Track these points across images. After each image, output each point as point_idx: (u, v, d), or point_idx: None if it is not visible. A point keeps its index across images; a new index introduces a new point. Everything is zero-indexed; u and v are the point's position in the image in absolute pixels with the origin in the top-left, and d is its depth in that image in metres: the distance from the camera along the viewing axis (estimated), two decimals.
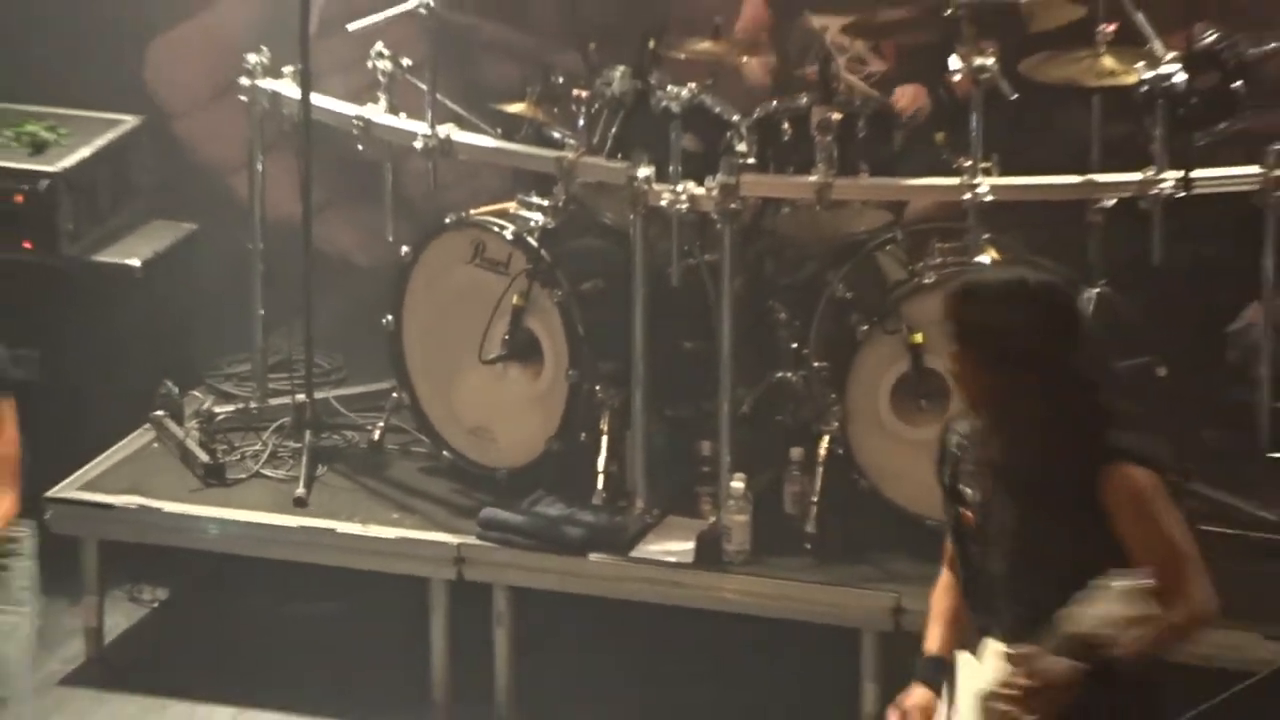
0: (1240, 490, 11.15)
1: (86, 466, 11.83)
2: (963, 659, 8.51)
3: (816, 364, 11.29)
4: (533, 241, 11.29)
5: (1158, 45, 10.92)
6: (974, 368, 8.14)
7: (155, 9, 13.39)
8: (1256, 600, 10.44)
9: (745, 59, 12.12)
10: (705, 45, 11.66)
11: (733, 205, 10.90)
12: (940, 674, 8.55)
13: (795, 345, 11.47)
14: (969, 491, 8.36)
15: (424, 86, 11.63)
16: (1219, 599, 7.95)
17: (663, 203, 10.91)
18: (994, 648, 8.26)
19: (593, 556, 10.86)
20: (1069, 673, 7.80)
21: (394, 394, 11.86)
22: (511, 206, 11.58)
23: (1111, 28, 11.07)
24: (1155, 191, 10.80)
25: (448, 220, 11.60)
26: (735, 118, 11.26)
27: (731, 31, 12.11)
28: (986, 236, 11.06)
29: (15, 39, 13.13)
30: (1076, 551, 8.04)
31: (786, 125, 11.16)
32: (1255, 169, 10.79)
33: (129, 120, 12.80)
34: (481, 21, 12.89)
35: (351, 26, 11.93)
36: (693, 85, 11.16)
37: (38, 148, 12.42)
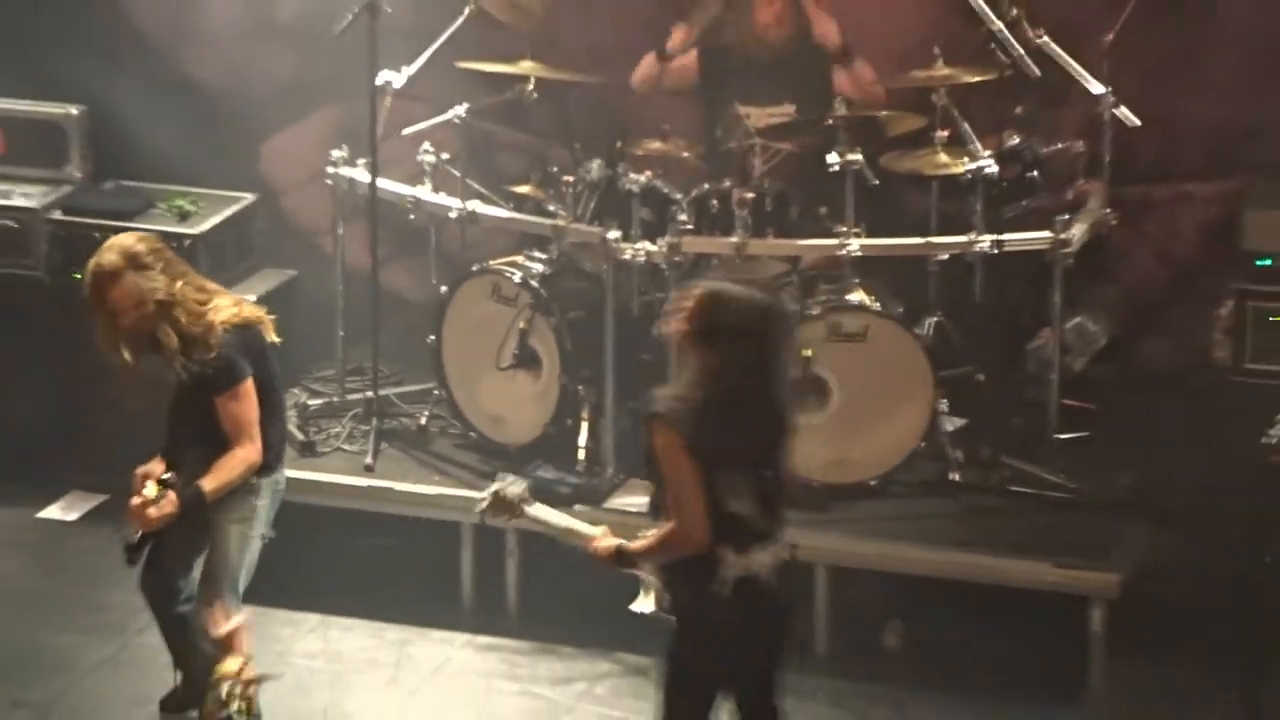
0: (1036, 461, 11.86)
1: None
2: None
3: None
4: (534, 284, 11.91)
5: (977, 146, 11.69)
6: (691, 343, 8.88)
7: (268, 119, 13.60)
8: (1046, 540, 11.37)
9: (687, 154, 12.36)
10: (656, 144, 12.20)
11: (677, 258, 11.67)
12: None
13: None
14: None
15: (457, 173, 12.21)
16: (702, 528, 8.79)
17: (626, 256, 11.66)
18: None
19: (576, 507, 11.16)
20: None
21: (435, 391, 12.50)
22: (519, 259, 12.13)
23: (945, 133, 11.77)
24: (976, 249, 11.63)
25: (474, 269, 12.19)
26: (679, 196, 11.86)
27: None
28: (856, 280, 11.68)
29: (168, 137, 13.18)
30: None
31: (715, 201, 11.79)
32: (1046, 234, 11.58)
33: (248, 197, 13.26)
34: (499, 127, 12.81)
35: (406, 131, 12.40)
36: (648, 173, 11.85)
37: (183, 216, 12.89)
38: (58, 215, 12.93)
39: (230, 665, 10.13)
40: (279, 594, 11.70)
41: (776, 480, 9.11)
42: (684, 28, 12.65)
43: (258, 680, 10.27)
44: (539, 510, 9.61)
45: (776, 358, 9.10)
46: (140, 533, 10.16)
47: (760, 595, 9.03)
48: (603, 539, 9.25)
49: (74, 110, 13.20)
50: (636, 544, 9.07)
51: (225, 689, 10.15)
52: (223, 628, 10.18)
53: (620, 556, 9.16)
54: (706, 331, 8.93)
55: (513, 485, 9.69)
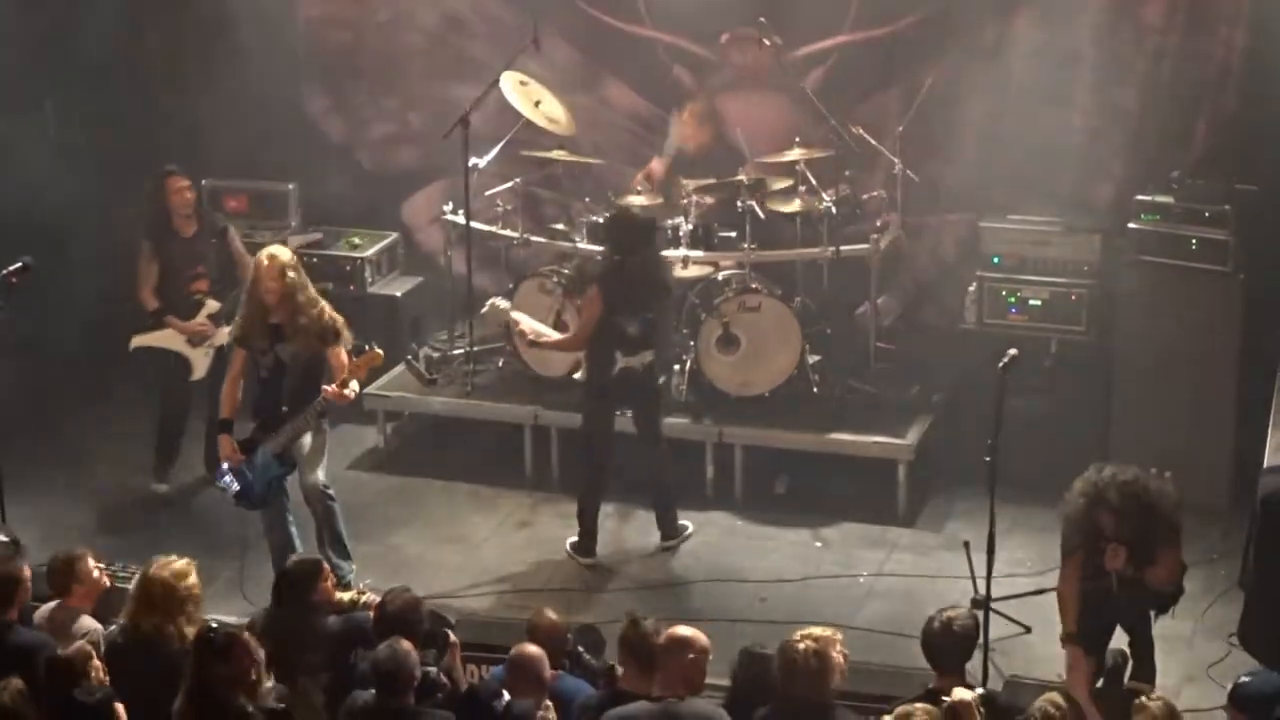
0: (862, 379, 11.59)
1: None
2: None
3: (685, 331, 11.54)
4: (564, 282, 11.57)
5: (823, 195, 11.41)
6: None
7: (408, 187, 13.09)
8: (869, 425, 11.23)
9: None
10: (640, 199, 11.74)
11: None
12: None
13: (682, 330, 11.58)
14: None
15: (517, 218, 11.87)
16: (582, 344, 10.17)
17: None
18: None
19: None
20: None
21: (506, 348, 11.96)
22: (555, 267, 11.77)
23: (803, 187, 11.43)
24: (824, 256, 11.47)
25: (528, 274, 11.78)
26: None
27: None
28: (755, 276, 11.41)
29: (347, 202, 12.87)
30: None
31: (669, 231, 11.41)
32: (866, 246, 11.35)
33: (392, 234, 12.77)
34: (541, 190, 12.24)
35: (487, 193, 11.93)
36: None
37: (353, 246, 12.49)
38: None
39: None
40: (413, 468, 11.64)
41: (650, 320, 10.30)
42: (659, 161, 12.16)
43: None
44: (519, 316, 10.59)
45: (655, 253, 10.46)
46: None
47: (632, 377, 10.36)
48: (549, 335, 10.59)
49: (291, 185, 12.80)
50: (549, 338, 10.55)
51: None
52: None
53: (537, 341, 10.55)
54: (616, 238, 10.33)
55: (501, 300, 10.74)
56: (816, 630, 7.40)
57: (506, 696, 7.32)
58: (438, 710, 7.48)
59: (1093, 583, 8.46)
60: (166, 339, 11.35)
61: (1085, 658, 8.34)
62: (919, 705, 7.13)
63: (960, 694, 7.25)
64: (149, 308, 11.28)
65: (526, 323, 10.80)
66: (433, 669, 7.79)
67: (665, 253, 11.31)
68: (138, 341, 11.38)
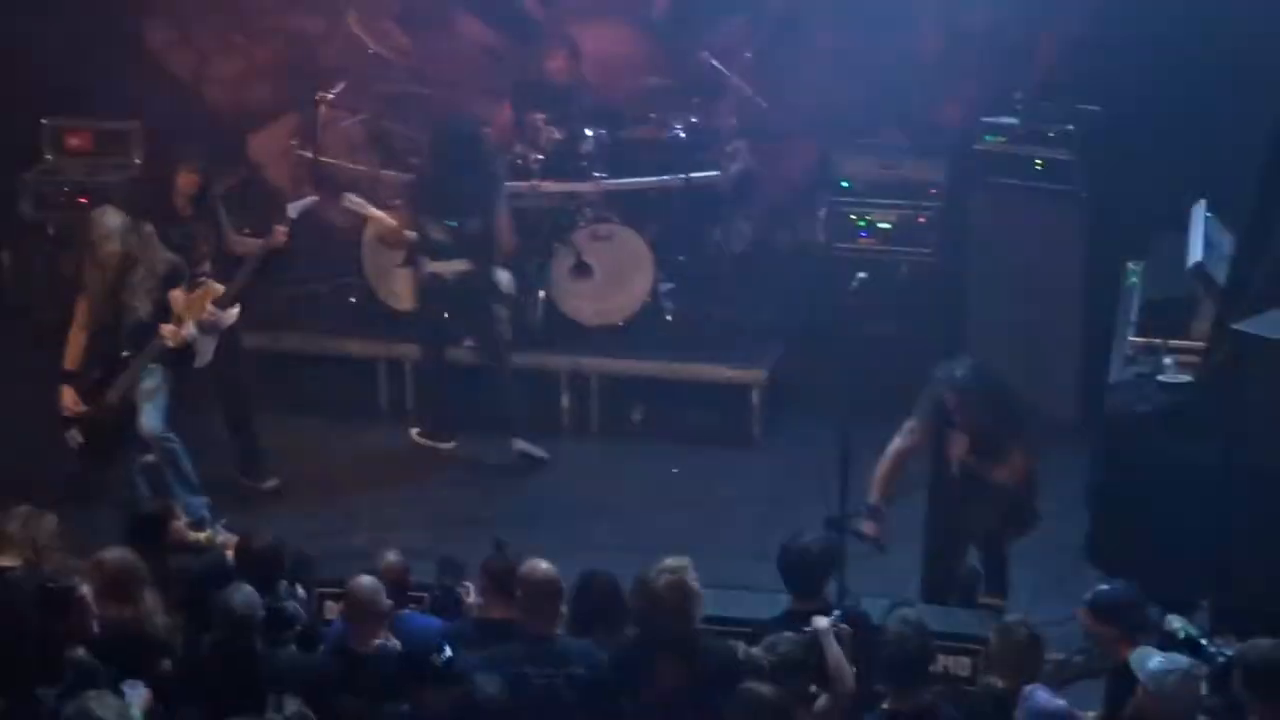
0: (716, 306, 11.51)
1: None
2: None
3: (538, 261, 11.40)
4: None
5: (675, 122, 11.40)
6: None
7: (252, 118, 12.63)
8: (724, 352, 11.21)
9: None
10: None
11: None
12: None
13: (535, 261, 11.30)
14: None
15: (367, 152, 12.02)
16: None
17: None
18: None
19: None
20: None
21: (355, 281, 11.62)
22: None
23: (654, 115, 11.46)
24: (677, 183, 11.31)
25: (380, 207, 11.16)
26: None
27: None
28: (607, 208, 11.45)
29: (184, 133, 11.89)
30: None
31: (520, 161, 11.26)
32: (716, 173, 11.32)
33: (241, 171, 12.39)
34: (391, 123, 11.94)
35: (336, 125, 11.87)
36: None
37: None
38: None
39: None
40: None
41: (460, 230, 10.43)
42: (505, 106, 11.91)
43: None
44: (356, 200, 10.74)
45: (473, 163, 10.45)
46: None
47: (445, 287, 10.49)
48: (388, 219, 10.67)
49: (134, 123, 12.37)
50: (387, 223, 10.66)
51: None
52: None
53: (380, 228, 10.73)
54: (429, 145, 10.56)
55: (355, 196, 10.82)
56: (671, 561, 7.41)
57: (448, 651, 7.23)
58: (282, 649, 7.51)
59: (940, 484, 8.62)
60: None
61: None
62: (786, 635, 7.22)
63: (819, 622, 7.32)
64: None
65: (371, 211, 10.83)
66: (290, 603, 7.78)
67: (515, 183, 11.28)
68: None
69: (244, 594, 7.40)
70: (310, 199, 10.65)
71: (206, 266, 10.26)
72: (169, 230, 10.07)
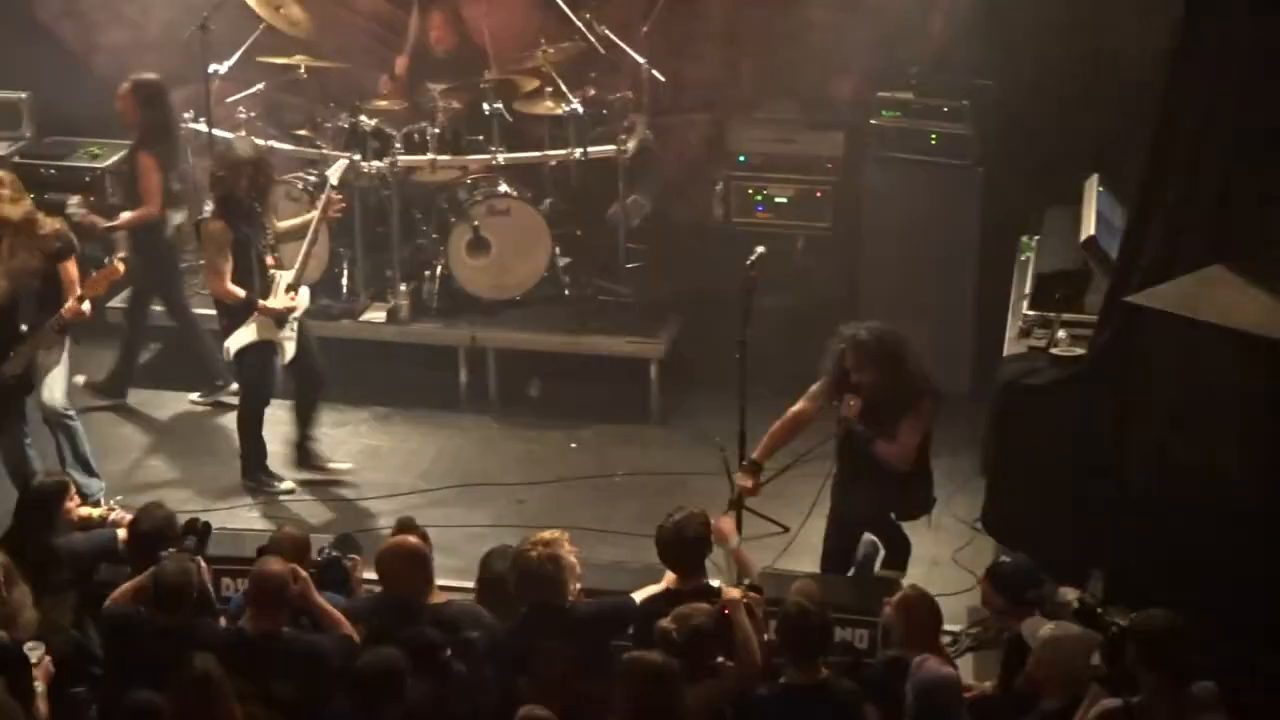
0: (613, 280, 11.58)
1: None
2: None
3: (435, 236, 11.53)
4: (310, 189, 11.16)
5: (570, 96, 11.31)
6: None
7: None
8: (622, 326, 11.25)
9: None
10: (382, 103, 11.57)
11: (395, 170, 11.17)
12: None
13: (433, 235, 11.46)
14: None
15: (261, 125, 11.79)
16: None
17: (365, 169, 11.13)
18: None
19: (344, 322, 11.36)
20: None
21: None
22: (301, 174, 11.41)
23: (550, 89, 11.40)
24: (573, 158, 11.38)
25: (274, 181, 10.62)
26: (395, 132, 11.26)
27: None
28: (501, 180, 11.36)
29: (74, 104, 12.12)
30: None
31: (416, 136, 11.31)
32: (613, 147, 11.30)
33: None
34: (284, 96, 11.88)
35: (228, 99, 11.58)
36: (376, 120, 11.33)
37: (93, 157, 11.95)
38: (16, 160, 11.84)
39: None
40: None
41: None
42: (401, 59, 11.97)
43: None
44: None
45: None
46: None
47: None
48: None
49: (24, 94, 12.39)
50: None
51: None
52: None
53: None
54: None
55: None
56: (545, 534, 7.44)
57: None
58: (206, 622, 7.51)
59: (842, 454, 8.65)
60: (263, 330, 10.07)
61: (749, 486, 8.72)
62: (698, 605, 7.22)
63: (730, 593, 7.35)
64: (234, 299, 9.97)
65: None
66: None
67: (412, 157, 11.28)
68: (238, 344, 10.08)
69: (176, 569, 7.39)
70: (344, 161, 10.66)
71: (275, 259, 10.18)
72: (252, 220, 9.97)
